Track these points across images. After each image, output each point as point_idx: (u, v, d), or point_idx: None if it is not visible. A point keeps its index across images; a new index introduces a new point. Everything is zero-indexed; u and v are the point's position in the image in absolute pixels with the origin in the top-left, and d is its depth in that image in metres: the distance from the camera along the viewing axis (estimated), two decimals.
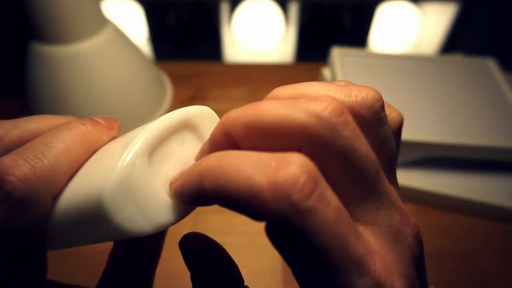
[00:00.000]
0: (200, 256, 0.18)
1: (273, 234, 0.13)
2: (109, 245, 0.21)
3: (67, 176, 0.16)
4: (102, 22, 0.50)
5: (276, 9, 0.76)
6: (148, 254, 0.21)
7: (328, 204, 0.12)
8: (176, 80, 0.66)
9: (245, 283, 0.19)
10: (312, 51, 0.82)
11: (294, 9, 0.75)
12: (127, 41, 0.54)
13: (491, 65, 0.59)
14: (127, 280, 0.21)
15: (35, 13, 0.45)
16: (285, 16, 0.77)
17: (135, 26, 0.78)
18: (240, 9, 0.76)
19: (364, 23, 0.78)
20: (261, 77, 0.68)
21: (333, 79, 0.56)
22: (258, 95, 0.64)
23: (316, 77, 0.65)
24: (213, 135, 0.15)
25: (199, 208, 0.18)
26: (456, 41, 0.78)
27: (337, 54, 0.58)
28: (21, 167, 0.15)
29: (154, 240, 0.21)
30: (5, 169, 0.14)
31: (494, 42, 0.80)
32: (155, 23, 0.78)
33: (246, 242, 0.45)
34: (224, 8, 0.75)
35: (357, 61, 0.58)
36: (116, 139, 0.18)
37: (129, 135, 0.17)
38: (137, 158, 0.15)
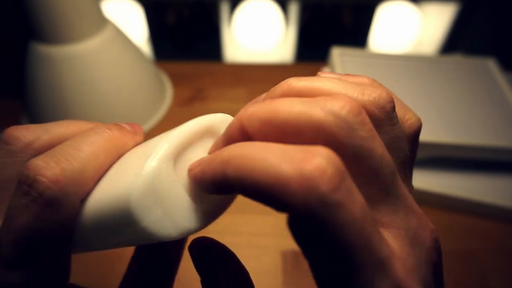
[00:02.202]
0: (210, 261, 0.18)
1: (295, 227, 0.13)
2: (119, 249, 0.21)
3: (94, 180, 0.16)
4: (102, 22, 0.50)
5: (276, 9, 0.76)
6: (169, 260, 0.21)
7: (355, 199, 0.12)
8: (176, 80, 0.66)
9: None
10: (312, 51, 0.82)
11: (294, 9, 0.75)
12: (127, 41, 0.54)
13: (491, 65, 0.59)
14: (148, 286, 0.21)
15: (35, 13, 0.45)
16: (285, 16, 0.77)
17: (135, 26, 0.78)
18: (240, 9, 0.76)
19: (364, 23, 0.78)
20: (261, 77, 0.68)
21: None
22: (258, 95, 0.64)
23: None
24: (228, 129, 0.15)
25: None
26: (456, 41, 0.78)
27: (337, 54, 0.58)
28: (52, 168, 0.15)
29: (176, 245, 0.21)
30: (36, 170, 0.14)
31: (494, 42, 0.80)
32: (155, 23, 0.78)
33: (246, 242, 0.45)
34: (224, 8, 0.75)
35: (357, 61, 0.58)
36: (140, 145, 0.18)
37: (153, 141, 0.17)
38: (163, 162, 0.15)
